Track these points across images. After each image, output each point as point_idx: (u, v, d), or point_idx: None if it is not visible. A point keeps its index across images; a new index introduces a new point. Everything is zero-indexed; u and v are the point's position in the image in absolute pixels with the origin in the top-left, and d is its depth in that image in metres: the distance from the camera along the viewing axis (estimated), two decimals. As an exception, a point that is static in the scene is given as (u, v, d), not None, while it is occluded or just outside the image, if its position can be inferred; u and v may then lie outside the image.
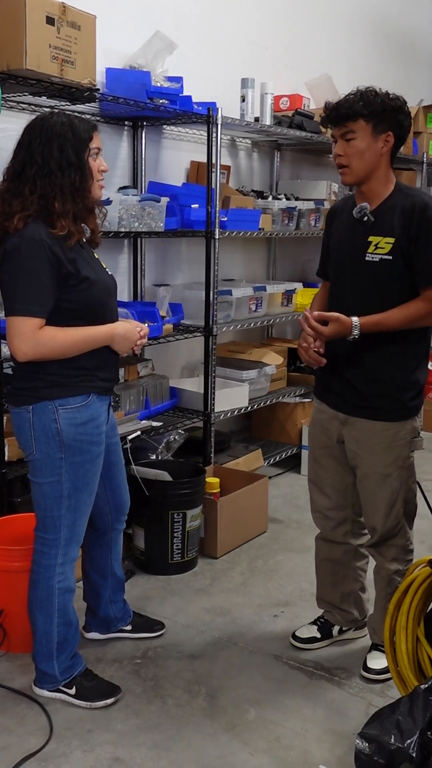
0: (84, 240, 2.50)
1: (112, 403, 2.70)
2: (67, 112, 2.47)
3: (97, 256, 2.59)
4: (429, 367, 2.91)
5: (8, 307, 2.35)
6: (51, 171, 2.35)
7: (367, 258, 2.59)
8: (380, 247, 2.57)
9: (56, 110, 2.52)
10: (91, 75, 3.16)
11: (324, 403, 2.81)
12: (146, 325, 2.92)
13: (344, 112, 2.52)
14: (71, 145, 2.37)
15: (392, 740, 2.10)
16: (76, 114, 2.48)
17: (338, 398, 2.73)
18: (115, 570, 2.92)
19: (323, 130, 4.99)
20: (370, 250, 2.58)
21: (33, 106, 3.43)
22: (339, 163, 2.60)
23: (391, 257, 2.55)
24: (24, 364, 2.40)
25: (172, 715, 2.59)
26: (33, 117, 2.44)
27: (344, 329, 2.55)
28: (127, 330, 2.53)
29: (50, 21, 2.92)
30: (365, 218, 2.60)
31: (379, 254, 2.57)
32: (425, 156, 6.41)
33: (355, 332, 2.55)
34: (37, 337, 2.32)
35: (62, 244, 2.37)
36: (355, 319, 2.54)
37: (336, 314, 2.55)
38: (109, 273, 2.61)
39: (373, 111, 2.50)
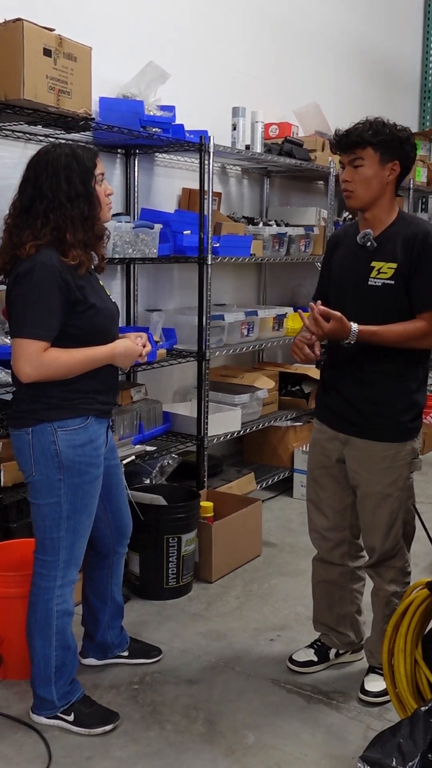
0: (92, 267, 2.53)
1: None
2: (69, 142, 2.51)
3: (102, 284, 2.62)
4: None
5: (17, 330, 2.39)
6: (61, 203, 2.39)
7: (370, 282, 2.63)
8: (383, 272, 2.61)
9: (57, 142, 2.56)
10: (87, 105, 3.21)
11: (324, 423, 2.84)
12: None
13: (354, 140, 2.58)
14: (78, 176, 2.41)
15: (394, 763, 2.10)
16: (79, 143, 2.52)
17: (339, 419, 2.76)
18: (115, 595, 2.92)
19: (313, 157, 5.07)
20: (372, 275, 2.63)
21: (28, 135, 3.47)
22: (345, 189, 2.66)
23: (393, 282, 2.60)
24: (25, 386, 2.43)
25: (171, 741, 2.58)
26: (28, 146, 2.48)
27: (343, 331, 2.57)
28: (127, 348, 2.57)
29: (47, 52, 2.97)
30: (368, 244, 2.65)
31: (382, 279, 2.61)
32: (411, 182, 6.50)
33: (352, 338, 2.57)
34: (41, 359, 2.36)
35: (73, 271, 2.41)
36: (354, 325, 2.57)
37: (339, 314, 2.56)
38: (113, 300, 2.65)
39: (382, 140, 2.57)
